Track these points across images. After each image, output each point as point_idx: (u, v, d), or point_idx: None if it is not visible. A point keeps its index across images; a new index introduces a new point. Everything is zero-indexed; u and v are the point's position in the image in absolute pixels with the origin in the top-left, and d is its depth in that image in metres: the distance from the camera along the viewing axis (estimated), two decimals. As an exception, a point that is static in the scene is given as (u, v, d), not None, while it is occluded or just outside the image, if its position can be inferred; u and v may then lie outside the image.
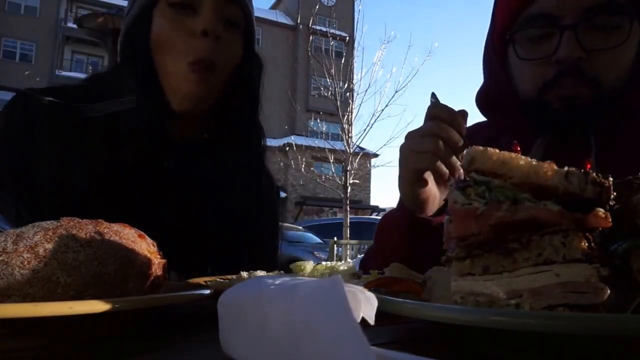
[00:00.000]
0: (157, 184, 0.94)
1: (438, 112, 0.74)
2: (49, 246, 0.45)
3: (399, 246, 0.85)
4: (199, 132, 1.04)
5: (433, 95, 0.80)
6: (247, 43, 1.02)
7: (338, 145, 15.32)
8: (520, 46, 0.88)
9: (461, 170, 0.72)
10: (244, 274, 0.78)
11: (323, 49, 15.84)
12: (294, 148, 19.07)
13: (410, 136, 0.77)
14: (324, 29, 20.54)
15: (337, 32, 20.83)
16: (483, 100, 1.02)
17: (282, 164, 23.30)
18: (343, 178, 14.21)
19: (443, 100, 0.80)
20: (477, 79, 0.99)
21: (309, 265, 0.77)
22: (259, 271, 0.80)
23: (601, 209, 0.38)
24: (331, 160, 15.47)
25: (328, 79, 14.87)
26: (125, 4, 1.06)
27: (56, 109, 0.90)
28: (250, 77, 1.05)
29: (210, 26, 0.90)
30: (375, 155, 23.52)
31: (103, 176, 0.88)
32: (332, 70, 14.52)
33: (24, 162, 0.88)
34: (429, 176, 0.78)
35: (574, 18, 0.80)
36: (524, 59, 0.87)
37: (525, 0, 0.85)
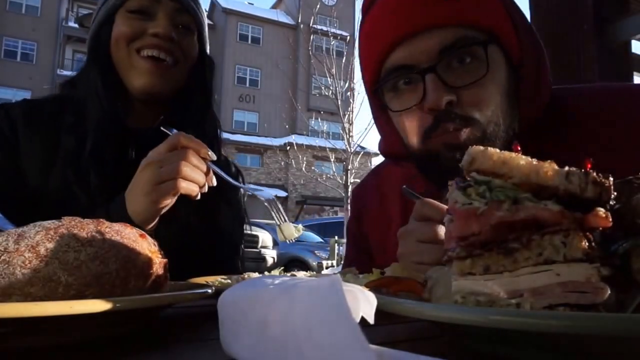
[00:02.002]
0: (122, 174, 0.99)
1: (431, 214, 0.71)
2: (50, 245, 0.45)
3: None
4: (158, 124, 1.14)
5: (406, 190, 0.79)
6: (201, 47, 1.16)
7: (339, 145, 15.33)
8: (390, 99, 0.87)
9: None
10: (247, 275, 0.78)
11: (324, 48, 15.85)
12: (295, 147, 19.08)
13: (408, 244, 0.74)
14: (324, 28, 20.54)
15: (338, 32, 20.83)
16: (382, 151, 1.04)
17: (282, 163, 23.30)
18: (344, 177, 14.21)
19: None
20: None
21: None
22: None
23: (601, 209, 0.38)
24: (332, 160, 15.48)
25: (329, 78, 14.88)
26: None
27: (32, 116, 1.05)
28: (204, 74, 1.18)
29: (161, 29, 1.04)
30: (376, 155, 23.51)
31: (70, 166, 0.99)
32: (333, 70, 14.52)
33: (7, 163, 1.00)
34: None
35: (431, 61, 0.78)
36: (396, 110, 0.86)
37: (380, 52, 0.84)
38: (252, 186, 0.98)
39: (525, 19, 0.86)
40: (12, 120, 1.03)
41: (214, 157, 0.90)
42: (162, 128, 0.96)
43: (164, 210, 0.87)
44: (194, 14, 1.11)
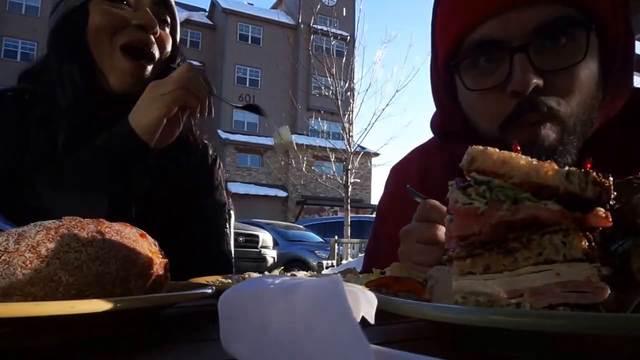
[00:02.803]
0: None
1: (433, 216, 0.70)
2: (51, 246, 0.45)
3: None
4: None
5: (410, 190, 0.78)
6: (174, 40, 1.12)
7: (339, 145, 15.32)
8: (468, 76, 0.79)
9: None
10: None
11: (324, 48, 15.84)
12: (295, 147, 19.05)
13: (408, 243, 0.73)
14: (324, 28, 20.52)
15: (338, 32, 20.81)
16: (437, 130, 0.97)
17: (282, 163, 23.30)
18: (344, 177, 14.21)
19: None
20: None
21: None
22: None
23: (601, 209, 0.38)
24: (332, 160, 15.47)
25: (329, 78, 14.87)
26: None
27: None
28: (174, 66, 1.15)
29: (146, 21, 0.99)
30: (376, 155, 23.53)
31: (43, 159, 0.94)
32: (333, 70, 14.52)
33: None
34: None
35: (522, 40, 0.71)
36: (473, 89, 0.78)
37: (467, 26, 0.76)
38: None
39: (626, 3, 0.79)
40: None
41: (214, 91, 0.96)
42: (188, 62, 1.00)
43: (162, 138, 0.91)
44: (170, 5, 1.08)
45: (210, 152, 1.26)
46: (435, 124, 0.97)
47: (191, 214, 1.12)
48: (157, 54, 1.03)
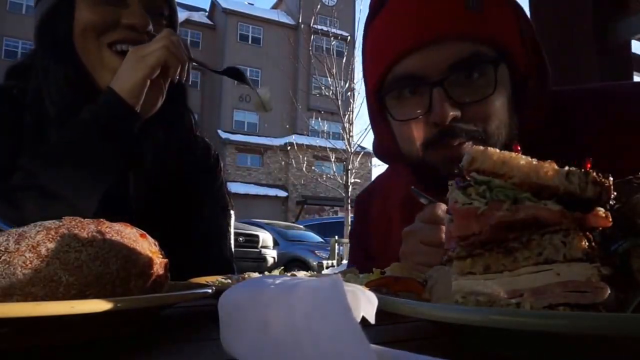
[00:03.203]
0: None
1: (440, 219, 0.71)
2: (51, 245, 0.45)
3: None
4: None
5: (415, 191, 0.79)
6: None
7: (339, 145, 15.33)
8: (393, 107, 0.86)
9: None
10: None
11: (324, 48, 15.85)
12: (295, 147, 19.08)
13: (411, 244, 0.74)
14: (325, 28, 20.53)
15: (338, 32, 20.82)
16: (379, 153, 1.04)
17: (283, 163, 23.30)
18: (344, 177, 14.22)
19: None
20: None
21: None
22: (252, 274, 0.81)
23: (601, 209, 0.38)
24: (332, 160, 15.49)
25: (329, 78, 14.89)
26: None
27: None
28: None
29: (138, 21, 0.94)
30: (377, 155, 23.47)
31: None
32: (334, 70, 14.53)
33: None
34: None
35: (439, 75, 0.78)
36: (399, 120, 0.85)
37: (390, 61, 0.82)
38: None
39: (532, 29, 0.86)
40: None
41: (191, 56, 0.96)
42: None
43: (147, 105, 0.91)
44: None
45: (213, 152, 1.24)
46: (375, 149, 1.04)
47: (192, 214, 1.10)
48: None
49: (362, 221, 1.20)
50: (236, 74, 1.04)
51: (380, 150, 1.03)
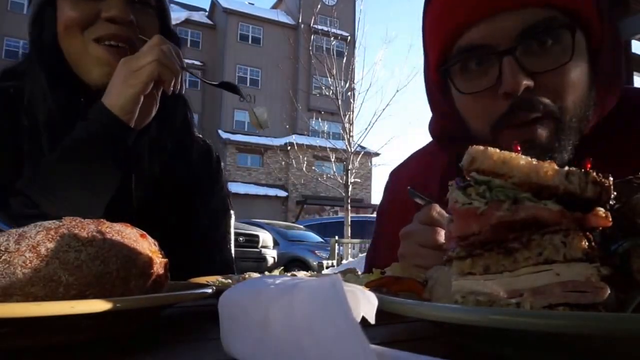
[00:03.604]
0: None
1: (438, 221, 0.70)
2: (51, 245, 0.45)
3: None
4: None
5: (412, 192, 0.77)
6: (162, 22, 1.02)
7: (339, 145, 15.33)
8: (459, 80, 0.81)
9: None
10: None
11: (324, 48, 15.85)
12: (295, 147, 19.08)
13: (409, 245, 0.73)
14: (325, 28, 20.52)
15: (339, 32, 20.82)
16: (436, 134, 0.98)
17: (283, 163, 23.30)
18: (344, 177, 14.22)
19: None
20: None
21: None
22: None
23: (601, 209, 0.38)
24: (332, 160, 15.49)
25: (329, 79, 14.89)
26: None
27: None
28: None
29: (116, 12, 0.91)
30: (377, 154, 23.52)
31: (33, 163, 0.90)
32: (334, 70, 14.53)
33: None
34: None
35: (509, 43, 0.73)
36: (466, 93, 0.79)
37: (454, 32, 0.78)
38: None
39: (609, 4, 0.81)
40: None
41: (184, 65, 0.92)
42: (141, 36, 0.93)
43: (141, 117, 0.88)
44: None
45: (214, 154, 1.23)
46: (433, 129, 0.98)
47: (192, 215, 1.09)
48: (136, 41, 0.94)
49: (391, 195, 1.13)
50: (231, 88, 1.03)
51: (438, 130, 0.96)
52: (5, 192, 0.86)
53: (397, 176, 1.15)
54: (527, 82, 0.72)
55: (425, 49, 0.89)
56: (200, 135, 1.19)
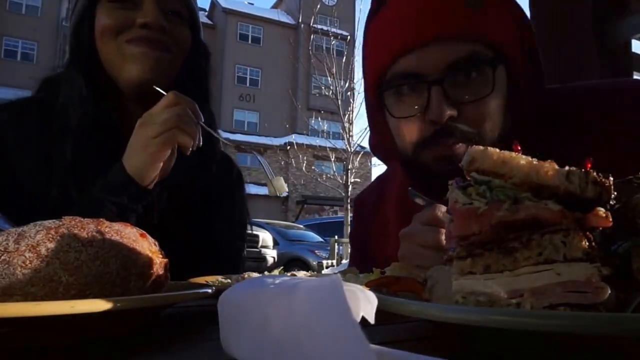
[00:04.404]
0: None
1: (441, 222, 0.71)
2: (51, 245, 0.45)
3: None
4: None
5: (412, 192, 0.79)
6: (194, 34, 1.06)
7: (339, 144, 15.33)
8: (391, 103, 0.86)
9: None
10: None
11: (324, 47, 15.85)
12: (295, 147, 19.09)
13: (409, 246, 0.74)
14: (325, 28, 20.52)
15: (338, 31, 20.82)
16: (376, 151, 1.05)
17: (283, 163, 23.30)
18: (344, 177, 14.22)
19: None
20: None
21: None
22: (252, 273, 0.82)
23: (602, 209, 0.38)
24: (332, 159, 15.49)
25: (329, 78, 14.89)
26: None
27: (18, 120, 0.99)
28: (199, 66, 1.11)
29: (151, 19, 0.95)
30: (377, 154, 23.47)
31: (63, 170, 0.94)
32: (333, 69, 14.53)
33: None
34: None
35: (438, 74, 0.78)
36: (396, 116, 0.85)
37: (389, 59, 0.83)
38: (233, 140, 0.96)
39: (531, 32, 0.86)
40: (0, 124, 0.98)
41: (202, 118, 0.91)
42: (155, 87, 0.93)
43: (163, 171, 0.88)
44: None
45: (235, 168, 1.25)
46: (371, 144, 1.05)
47: (209, 227, 1.10)
48: (170, 46, 0.99)
49: (360, 222, 1.21)
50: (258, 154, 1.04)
51: (377, 147, 1.04)
52: (32, 199, 0.91)
53: (358, 202, 1.25)
54: (450, 112, 0.78)
55: (364, 71, 0.94)
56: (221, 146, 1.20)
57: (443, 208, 0.72)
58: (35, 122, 0.99)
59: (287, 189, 1.03)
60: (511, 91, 0.84)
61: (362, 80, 0.97)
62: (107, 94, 1.00)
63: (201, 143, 0.91)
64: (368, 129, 1.08)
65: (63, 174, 0.94)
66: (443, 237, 0.69)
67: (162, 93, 0.90)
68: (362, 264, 1.15)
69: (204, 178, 1.09)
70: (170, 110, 0.85)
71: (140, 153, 0.85)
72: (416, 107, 0.82)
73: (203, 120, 0.90)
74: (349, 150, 14.08)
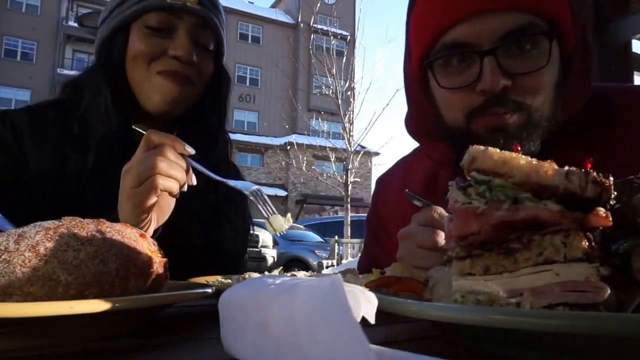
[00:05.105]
0: None
1: (436, 223, 0.71)
2: (50, 245, 0.45)
3: None
4: None
5: (410, 194, 0.79)
6: (217, 61, 1.11)
7: (339, 144, 15.33)
8: (440, 74, 0.85)
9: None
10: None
11: (324, 47, 15.85)
12: (295, 147, 19.08)
13: (408, 247, 0.74)
14: (325, 27, 20.53)
15: (338, 31, 20.83)
16: (412, 128, 1.02)
17: (283, 163, 23.30)
18: (344, 176, 14.22)
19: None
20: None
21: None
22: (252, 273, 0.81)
23: (602, 209, 0.38)
24: (332, 159, 15.48)
25: (329, 78, 14.88)
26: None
27: (38, 125, 1.01)
28: (219, 91, 1.14)
29: (183, 52, 0.98)
30: (376, 154, 23.51)
31: (78, 176, 0.96)
32: (333, 69, 14.52)
33: (9, 168, 0.96)
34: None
35: (491, 44, 0.78)
36: (446, 87, 0.84)
37: (441, 28, 0.82)
38: (232, 182, 0.88)
39: (582, 8, 0.86)
40: (19, 131, 0.99)
41: (192, 152, 0.84)
42: (134, 127, 0.91)
43: (160, 217, 0.84)
44: (215, 29, 1.06)
45: (240, 176, 1.26)
46: (409, 123, 1.03)
47: (215, 233, 1.11)
48: (195, 79, 1.02)
49: (378, 203, 1.17)
50: (255, 194, 1.00)
51: (415, 124, 1.02)
52: (45, 202, 0.92)
53: (382, 183, 1.20)
54: (504, 82, 0.77)
55: (409, 44, 0.94)
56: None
57: (440, 209, 0.72)
58: (55, 124, 1.01)
59: (286, 227, 0.96)
60: (563, 69, 0.83)
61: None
62: (129, 105, 1.02)
63: (193, 179, 0.85)
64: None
65: (79, 178, 0.95)
66: (439, 238, 0.70)
67: (141, 132, 0.84)
68: (374, 248, 1.14)
69: (212, 187, 1.10)
70: (148, 155, 0.79)
71: (126, 204, 0.80)
72: (467, 77, 0.81)
73: (194, 152, 0.84)
74: (349, 150, 14.08)
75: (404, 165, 1.17)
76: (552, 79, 0.81)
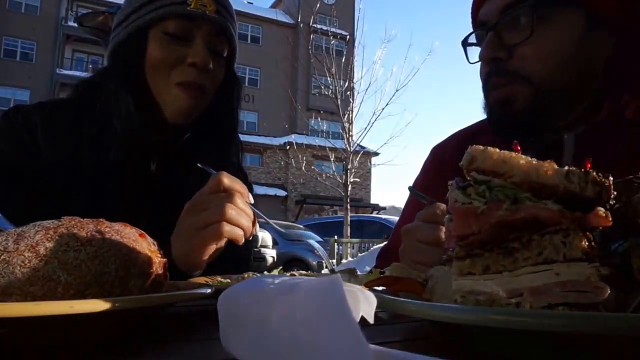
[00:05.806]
0: (142, 185, 1.02)
1: (440, 219, 0.70)
2: (50, 245, 0.45)
3: None
4: (181, 142, 1.11)
5: (412, 190, 0.80)
6: (228, 68, 1.10)
7: (338, 144, 15.33)
8: (469, 51, 0.95)
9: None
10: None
11: (323, 47, 15.85)
12: (295, 147, 19.08)
13: (409, 242, 0.74)
14: (324, 27, 20.53)
15: (338, 31, 20.82)
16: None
17: (282, 163, 23.30)
18: (343, 176, 14.22)
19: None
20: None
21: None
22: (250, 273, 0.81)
23: (601, 208, 0.38)
24: (332, 159, 15.48)
25: (329, 78, 14.87)
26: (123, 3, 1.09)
27: (51, 122, 1.00)
28: (230, 97, 1.13)
29: (200, 60, 0.98)
30: (376, 154, 23.50)
31: (93, 176, 0.96)
32: (333, 69, 14.52)
33: (23, 163, 0.96)
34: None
35: (495, 19, 0.85)
36: (471, 62, 0.94)
37: (475, 11, 0.91)
38: (298, 232, 0.89)
39: None
40: (32, 126, 0.98)
41: (252, 200, 0.83)
42: (199, 165, 0.90)
43: (210, 258, 0.81)
44: (230, 36, 1.06)
45: (248, 182, 1.22)
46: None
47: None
48: (207, 87, 1.02)
49: (430, 172, 1.14)
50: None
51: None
52: (59, 198, 0.93)
53: (437, 152, 1.16)
54: (495, 54, 0.84)
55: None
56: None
57: (442, 206, 0.72)
58: (69, 123, 1.00)
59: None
60: (598, 42, 0.82)
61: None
62: (150, 111, 1.01)
63: (257, 231, 0.85)
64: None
65: (95, 178, 0.96)
66: (441, 233, 0.70)
67: (210, 172, 0.83)
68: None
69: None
70: (219, 198, 0.77)
71: (184, 242, 0.78)
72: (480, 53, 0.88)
73: (253, 201, 0.83)
74: (349, 150, 14.08)
75: (460, 137, 1.14)
76: (557, 47, 0.81)
